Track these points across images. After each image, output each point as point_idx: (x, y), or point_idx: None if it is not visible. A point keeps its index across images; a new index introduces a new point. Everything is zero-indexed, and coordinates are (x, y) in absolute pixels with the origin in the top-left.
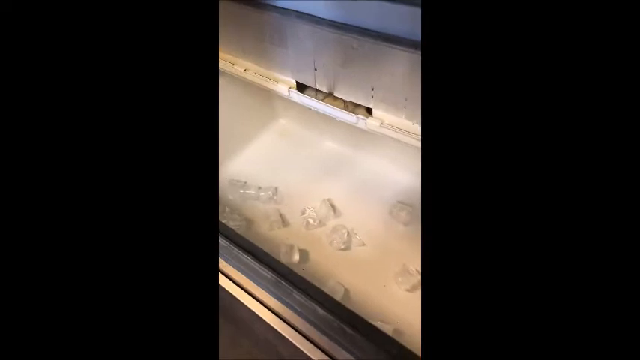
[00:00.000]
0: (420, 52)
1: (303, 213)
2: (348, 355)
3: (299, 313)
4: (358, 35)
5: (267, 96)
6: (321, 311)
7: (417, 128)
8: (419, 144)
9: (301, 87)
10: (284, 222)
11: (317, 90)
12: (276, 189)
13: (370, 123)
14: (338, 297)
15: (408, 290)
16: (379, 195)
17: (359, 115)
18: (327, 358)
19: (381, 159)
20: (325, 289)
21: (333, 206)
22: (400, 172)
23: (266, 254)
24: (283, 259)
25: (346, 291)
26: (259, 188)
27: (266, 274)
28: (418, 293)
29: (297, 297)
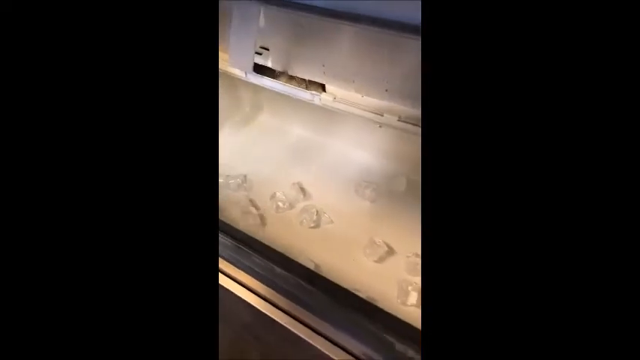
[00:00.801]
0: (365, 26)
1: (272, 197)
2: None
3: (258, 275)
4: (306, 13)
5: (231, 84)
6: (278, 270)
7: (367, 100)
8: (370, 115)
9: (258, 69)
10: (255, 207)
11: (274, 71)
12: (245, 176)
13: (324, 98)
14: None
15: (375, 261)
16: (345, 175)
17: (313, 92)
18: (290, 319)
19: (345, 142)
20: (294, 264)
21: (302, 189)
22: (363, 152)
23: (225, 224)
24: (243, 224)
25: (316, 266)
26: (227, 176)
27: (225, 241)
28: (385, 264)
29: (257, 260)
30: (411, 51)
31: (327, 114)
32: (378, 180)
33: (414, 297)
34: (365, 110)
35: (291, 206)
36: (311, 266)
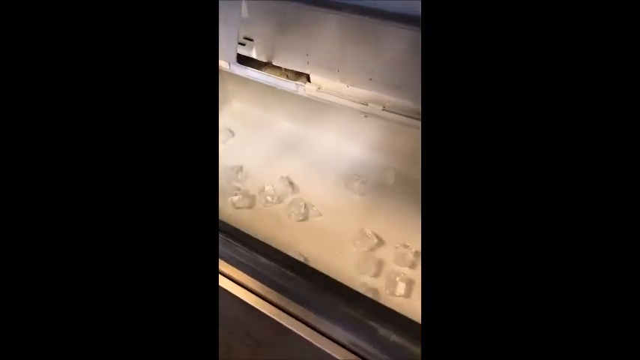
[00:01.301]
0: (348, 14)
1: (262, 191)
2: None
3: (244, 267)
4: (289, 1)
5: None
6: (263, 260)
7: (353, 90)
8: (356, 106)
9: (242, 60)
10: (243, 200)
11: (258, 62)
12: (241, 167)
13: (309, 88)
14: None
15: (366, 252)
16: (334, 168)
17: (298, 82)
18: (275, 309)
19: (333, 134)
20: (284, 258)
21: (291, 183)
22: (352, 145)
23: None
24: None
25: (305, 259)
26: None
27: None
28: (376, 253)
29: (244, 252)
30: (395, 39)
31: (315, 106)
32: (367, 173)
33: (402, 287)
34: (350, 100)
35: (280, 200)
36: (299, 259)
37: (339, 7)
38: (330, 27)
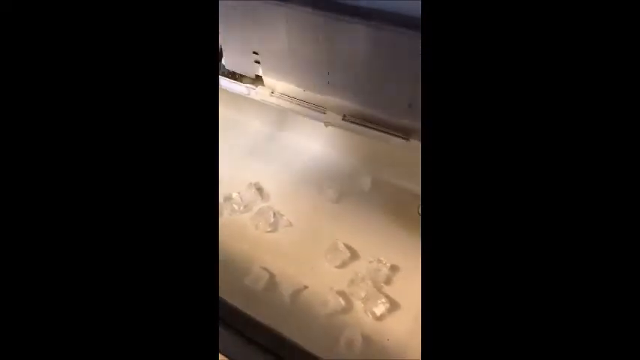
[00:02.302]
0: (301, 7)
1: (228, 199)
2: None
3: None
4: None
5: None
6: None
7: (309, 95)
8: (313, 113)
9: None
10: None
11: None
12: None
13: (260, 92)
14: (261, 284)
15: (337, 267)
16: (307, 174)
17: (248, 85)
18: None
19: (306, 139)
20: (248, 279)
21: (259, 190)
22: (327, 150)
23: None
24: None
25: (271, 276)
26: None
27: None
28: (347, 269)
29: None
30: (355, 37)
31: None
32: (342, 179)
33: (382, 308)
34: (306, 108)
35: (248, 208)
36: (265, 277)
37: (296, 1)
38: (281, 21)
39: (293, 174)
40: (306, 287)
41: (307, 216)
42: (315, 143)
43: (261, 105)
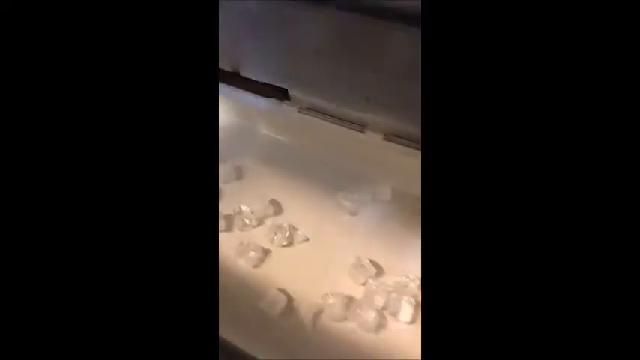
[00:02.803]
0: (338, 11)
1: (238, 213)
2: None
3: None
4: None
5: None
6: None
7: (343, 111)
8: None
9: None
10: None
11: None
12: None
13: (286, 109)
14: (278, 310)
15: (362, 284)
16: (322, 185)
17: (271, 99)
18: None
19: (320, 146)
20: (263, 302)
21: (273, 202)
22: (342, 158)
23: None
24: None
25: (289, 301)
26: None
27: None
28: (373, 286)
29: None
30: (402, 44)
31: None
32: (360, 190)
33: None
34: (342, 126)
35: (260, 222)
36: (282, 301)
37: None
38: (314, 27)
39: (307, 184)
40: (326, 308)
41: (323, 230)
42: (330, 151)
43: (272, 113)
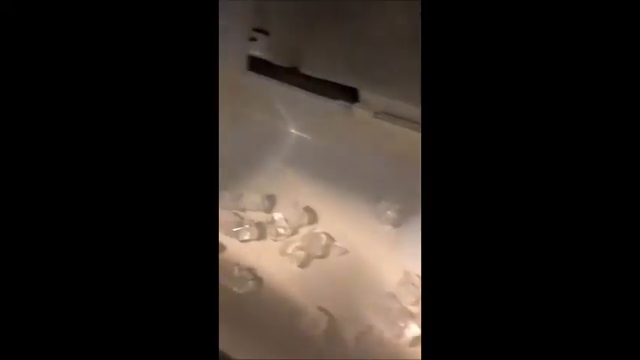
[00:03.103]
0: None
1: (271, 222)
2: None
3: None
4: None
5: None
6: None
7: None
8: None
9: (255, 64)
10: (251, 233)
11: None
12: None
13: (358, 112)
14: (319, 331)
15: (412, 305)
16: (360, 192)
17: (340, 101)
18: None
19: (360, 149)
20: (302, 324)
21: (307, 210)
22: (382, 163)
23: None
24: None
25: (330, 320)
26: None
27: None
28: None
29: None
30: None
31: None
32: (401, 198)
33: None
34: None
35: (295, 232)
36: (323, 321)
37: None
38: (386, 19)
39: (344, 192)
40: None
41: (363, 243)
42: (371, 156)
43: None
